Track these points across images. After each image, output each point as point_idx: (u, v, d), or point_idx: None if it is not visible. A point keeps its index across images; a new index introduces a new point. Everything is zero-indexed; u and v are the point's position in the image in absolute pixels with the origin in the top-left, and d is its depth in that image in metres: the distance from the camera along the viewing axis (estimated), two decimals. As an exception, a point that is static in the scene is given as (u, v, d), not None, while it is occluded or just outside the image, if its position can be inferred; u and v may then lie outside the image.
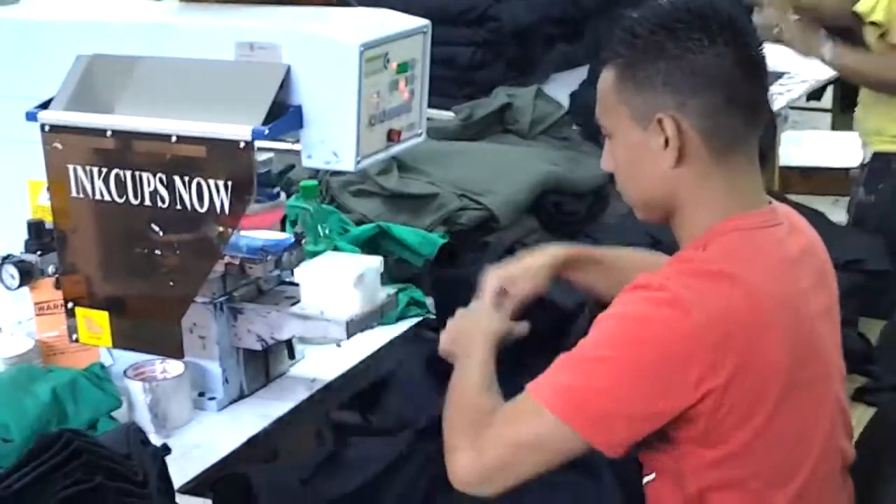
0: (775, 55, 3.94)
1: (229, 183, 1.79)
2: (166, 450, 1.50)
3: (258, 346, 2.02)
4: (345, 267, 2.00)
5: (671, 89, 1.53)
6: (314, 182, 2.33)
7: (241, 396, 2.05)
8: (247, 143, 1.76)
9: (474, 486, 1.54)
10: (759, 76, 1.57)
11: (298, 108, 1.80)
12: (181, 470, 1.82)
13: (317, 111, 1.80)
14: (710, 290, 1.47)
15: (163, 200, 1.85)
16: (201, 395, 2.03)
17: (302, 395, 2.06)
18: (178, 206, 1.84)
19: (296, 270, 2.03)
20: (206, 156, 1.79)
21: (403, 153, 2.72)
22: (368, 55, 1.78)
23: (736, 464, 1.51)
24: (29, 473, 1.27)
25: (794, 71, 3.78)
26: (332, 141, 1.80)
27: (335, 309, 1.96)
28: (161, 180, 1.84)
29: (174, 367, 1.99)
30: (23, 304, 2.09)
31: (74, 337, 1.99)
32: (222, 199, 1.80)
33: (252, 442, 1.92)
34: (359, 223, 2.51)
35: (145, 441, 1.49)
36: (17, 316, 2.12)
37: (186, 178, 1.82)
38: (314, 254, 2.19)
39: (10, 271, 2.01)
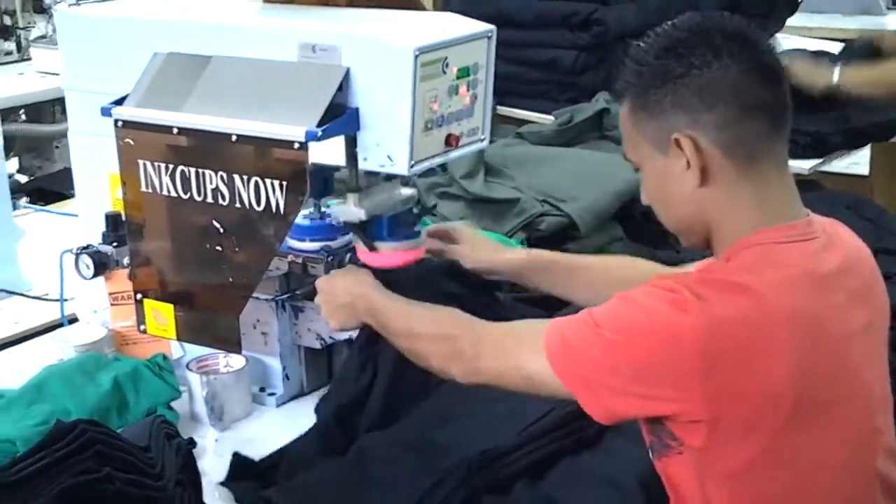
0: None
1: (284, 183, 1.82)
2: (192, 443, 1.53)
3: (317, 345, 2.04)
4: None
5: (682, 109, 1.52)
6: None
7: (301, 394, 2.08)
8: (300, 143, 1.78)
9: (470, 381, 1.65)
10: (773, 81, 1.54)
11: (355, 111, 1.81)
12: (226, 463, 1.86)
13: (373, 114, 1.80)
14: (718, 299, 1.45)
15: (223, 198, 1.88)
16: (262, 390, 2.06)
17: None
18: (238, 204, 1.87)
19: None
20: (263, 155, 1.82)
21: (493, 157, 2.75)
22: (424, 59, 1.78)
23: (745, 480, 1.48)
24: (40, 461, 1.31)
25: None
26: (386, 144, 1.81)
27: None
28: (222, 178, 1.87)
29: (236, 361, 2.03)
30: (99, 294, 2.16)
31: (142, 328, 2.04)
32: (278, 199, 1.83)
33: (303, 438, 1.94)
34: (442, 227, 2.51)
35: (172, 434, 1.52)
36: (93, 305, 2.19)
37: (245, 177, 1.85)
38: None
39: (86, 261, 2.08)
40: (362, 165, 1.85)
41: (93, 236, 2.14)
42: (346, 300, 1.85)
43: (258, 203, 1.85)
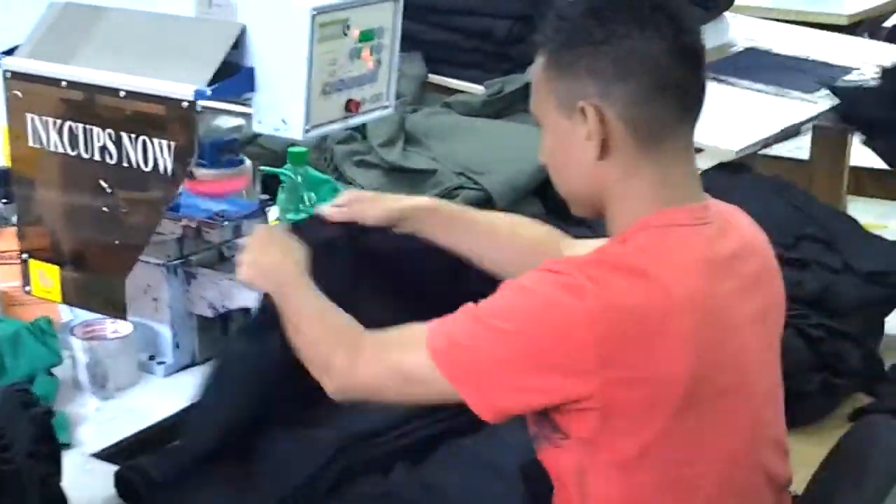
0: (848, 47, 3.84)
1: (172, 144, 1.74)
2: (49, 413, 1.45)
3: (209, 313, 1.96)
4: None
5: (594, 76, 1.45)
6: (302, 149, 2.26)
7: (193, 364, 2.00)
8: (189, 102, 1.70)
9: (344, 395, 1.55)
10: (692, 63, 1.47)
11: (250, 71, 1.73)
12: (106, 433, 1.79)
13: (268, 75, 1.73)
14: (614, 283, 1.39)
15: (111, 156, 1.80)
16: (151, 358, 1.98)
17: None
18: (125, 164, 1.79)
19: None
20: (151, 114, 1.74)
21: (416, 126, 2.67)
22: (323, 20, 1.70)
23: (633, 470, 1.42)
24: None
25: (867, 66, 3.59)
26: (281, 107, 1.73)
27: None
28: (110, 136, 1.79)
29: (124, 327, 1.95)
30: (-13, 252, 2.07)
31: (27, 289, 1.96)
32: (166, 160, 1.75)
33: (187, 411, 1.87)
34: (356, 195, 2.44)
35: (29, 403, 1.45)
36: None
37: (133, 136, 1.77)
38: (294, 223, 2.13)
39: (-32, 216, 2.00)
40: (256, 128, 1.77)
41: (-14, 192, 2.06)
42: (267, 260, 1.68)
43: (146, 163, 1.77)
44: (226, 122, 1.90)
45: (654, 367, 1.39)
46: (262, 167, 2.27)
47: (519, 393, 1.42)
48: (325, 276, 1.67)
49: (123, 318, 1.88)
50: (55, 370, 1.90)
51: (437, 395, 1.48)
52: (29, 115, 1.86)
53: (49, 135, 1.85)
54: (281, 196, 2.28)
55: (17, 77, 1.86)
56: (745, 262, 1.50)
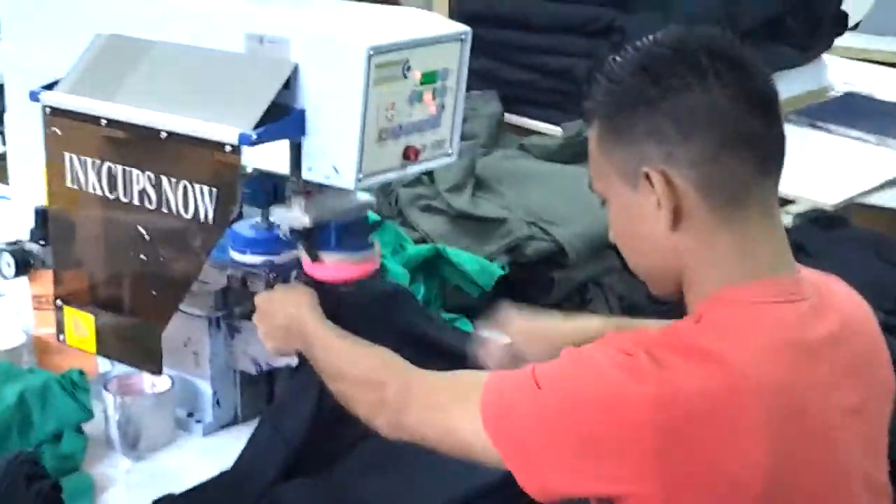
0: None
1: (214, 190, 1.60)
2: (56, 487, 1.32)
3: (253, 370, 1.82)
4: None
5: (656, 138, 1.29)
6: (361, 193, 2.12)
7: (234, 422, 1.86)
8: (233, 147, 1.56)
9: (395, 433, 1.45)
10: (764, 110, 1.31)
11: (300, 113, 1.59)
12: (135, 498, 1.66)
13: (320, 118, 1.58)
14: (680, 367, 1.23)
15: (150, 201, 1.67)
16: (190, 415, 1.85)
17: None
18: (165, 210, 1.65)
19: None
20: (193, 157, 1.60)
21: (487, 170, 2.52)
22: (381, 60, 1.55)
23: None
24: None
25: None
26: (332, 153, 1.58)
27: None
28: (150, 179, 1.66)
29: (162, 382, 1.82)
30: (23, 296, 1.95)
31: (61, 337, 1.83)
32: (206, 207, 1.61)
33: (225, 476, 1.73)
34: (420, 242, 2.29)
35: (34, 476, 1.31)
36: (16, 307, 1.98)
37: (173, 180, 1.64)
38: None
39: (7, 259, 1.88)
40: (306, 175, 1.63)
41: (24, 231, 1.94)
42: (282, 321, 1.65)
43: (186, 210, 1.63)
44: (352, 201, 1.73)
45: (722, 466, 1.23)
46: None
47: (570, 474, 1.27)
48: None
49: (158, 372, 1.75)
50: (86, 427, 1.77)
51: (486, 460, 1.33)
52: (67, 154, 1.74)
53: (88, 175, 1.72)
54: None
55: (56, 113, 1.74)
56: (844, 346, 1.32)
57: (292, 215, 1.68)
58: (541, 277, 2.21)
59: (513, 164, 2.54)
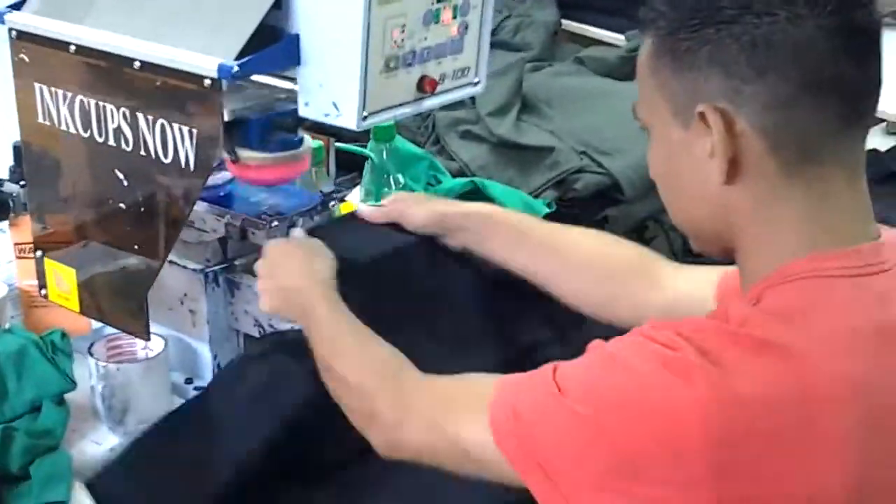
0: None
1: (194, 130, 1.36)
2: None
3: (255, 332, 1.59)
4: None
5: (721, 69, 1.03)
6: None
7: (237, 389, 1.64)
8: (212, 80, 1.31)
9: (393, 453, 1.22)
10: (863, 49, 1.04)
11: (294, 39, 1.34)
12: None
13: (316, 45, 1.33)
14: (741, 364, 0.99)
15: (126, 142, 1.44)
16: (188, 381, 1.63)
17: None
18: (142, 152, 1.42)
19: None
20: (169, 92, 1.36)
21: (536, 88, 2.25)
22: (384, -27, 1.29)
23: None
24: None
25: None
26: (331, 87, 1.34)
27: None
28: (125, 116, 1.43)
29: (156, 344, 1.60)
30: (5, 242, 1.74)
31: (43, 292, 1.63)
32: (187, 150, 1.38)
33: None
34: (459, 173, 2.04)
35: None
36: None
37: (150, 118, 1.40)
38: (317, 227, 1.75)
39: (-22, 203, 1.67)
40: (303, 111, 1.38)
41: (3, 170, 1.73)
42: (285, 283, 1.42)
43: (165, 154, 1.40)
44: (276, 92, 1.50)
45: (796, 483, 0.99)
46: (338, 143, 1.90)
47: (604, 496, 1.03)
48: (358, 293, 1.36)
49: (145, 337, 1.52)
50: (75, 395, 1.56)
51: (502, 479, 1.10)
52: (38, 86, 1.51)
53: (60, 110, 1.50)
54: (366, 177, 1.90)
55: (23, 38, 1.51)
56: None
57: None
58: (593, 215, 1.95)
59: (564, 82, 2.27)
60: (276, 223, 1.53)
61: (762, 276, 1.07)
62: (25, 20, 1.50)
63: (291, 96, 1.43)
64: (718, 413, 0.98)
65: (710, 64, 1.03)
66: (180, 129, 1.37)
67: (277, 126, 1.49)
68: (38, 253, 1.60)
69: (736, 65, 1.02)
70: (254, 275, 1.49)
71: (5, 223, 1.70)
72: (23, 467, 1.44)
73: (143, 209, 1.45)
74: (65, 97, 1.48)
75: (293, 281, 1.39)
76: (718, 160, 1.05)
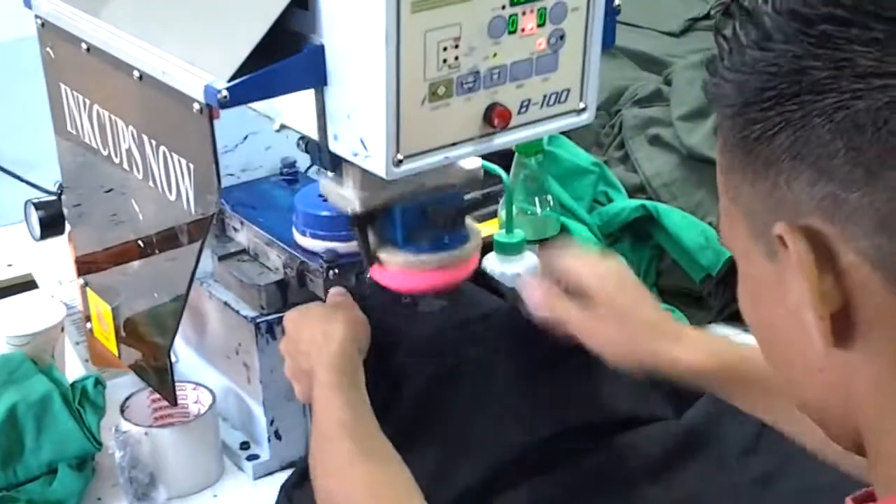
0: None
1: (191, 166, 1.05)
2: None
3: (312, 399, 1.28)
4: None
5: (808, 166, 0.62)
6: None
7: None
8: (200, 106, 1.00)
9: None
10: None
11: (318, 51, 1.00)
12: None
13: (343, 61, 0.99)
14: None
15: (137, 168, 1.15)
16: (245, 446, 1.35)
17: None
18: (151, 184, 1.13)
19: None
20: (167, 113, 1.06)
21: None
22: (421, -30, 0.93)
23: None
24: None
25: None
26: (358, 117, 0.99)
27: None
28: (133, 136, 1.14)
29: (205, 398, 1.32)
30: (65, 260, 1.50)
31: (89, 326, 1.38)
32: (187, 188, 1.07)
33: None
34: (638, 191, 1.64)
35: None
36: (58, 273, 1.54)
37: (153, 143, 1.11)
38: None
39: (33, 216, 1.42)
40: (332, 146, 1.04)
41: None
42: (303, 347, 1.14)
43: (170, 189, 1.10)
44: (445, 173, 1.13)
45: None
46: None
47: None
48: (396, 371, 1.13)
49: (171, 402, 1.24)
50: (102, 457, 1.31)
51: None
52: (63, 87, 1.25)
53: (82, 119, 1.23)
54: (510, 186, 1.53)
55: (48, 28, 1.25)
56: None
57: (342, 192, 1.11)
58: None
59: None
60: (333, 270, 1.21)
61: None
62: (48, 8, 1.23)
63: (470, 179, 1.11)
64: None
65: (791, 157, 0.63)
66: (180, 162, 1.06)
67: (435, 216, 1.13)
68: (82, 281, 1.35)
69: (831, 159, 0.61)
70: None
71: (61, 240, 1.45)
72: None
73: (157, 250, 1.16)
74: (84, 104, 1.21)
75: (306, 346, 1.12)
76: (813, 310, 0.64)
